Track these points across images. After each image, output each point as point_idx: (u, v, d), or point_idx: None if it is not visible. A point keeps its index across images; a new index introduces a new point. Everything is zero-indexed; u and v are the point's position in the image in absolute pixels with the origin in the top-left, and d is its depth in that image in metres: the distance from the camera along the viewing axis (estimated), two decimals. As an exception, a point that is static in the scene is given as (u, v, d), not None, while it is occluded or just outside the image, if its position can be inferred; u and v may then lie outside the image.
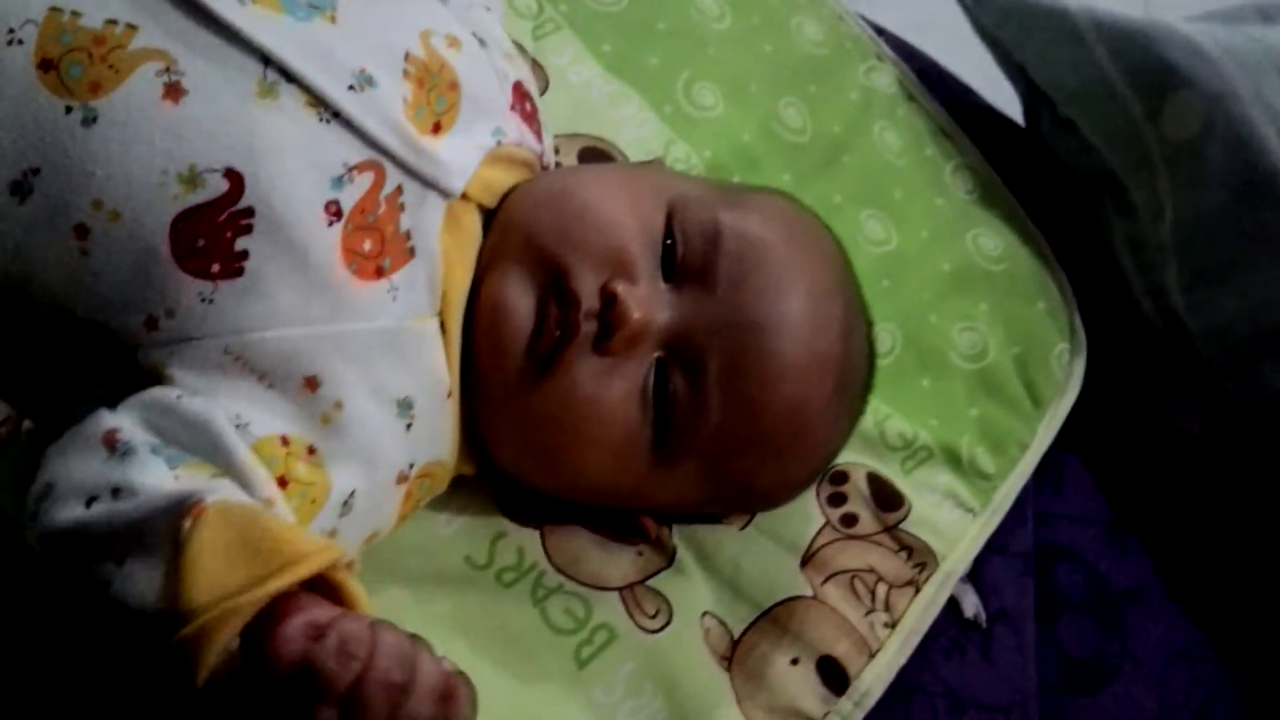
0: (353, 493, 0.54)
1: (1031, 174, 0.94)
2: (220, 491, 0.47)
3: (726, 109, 0.84)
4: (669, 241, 0.60)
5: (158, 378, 0.52)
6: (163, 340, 0.52)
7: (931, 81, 0.96)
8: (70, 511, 0.47)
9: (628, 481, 0.61)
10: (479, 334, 0.58)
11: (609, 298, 0.57)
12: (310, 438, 0.53)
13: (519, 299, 0.58)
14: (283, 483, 0.51)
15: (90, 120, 0.50)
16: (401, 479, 0.57)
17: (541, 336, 0.57)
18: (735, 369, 0.59)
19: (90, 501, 0.47)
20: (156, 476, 0.48)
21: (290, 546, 0.46)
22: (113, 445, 0.49)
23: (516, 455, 0.62)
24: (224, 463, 0.50)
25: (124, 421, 0.50)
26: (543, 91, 0.78)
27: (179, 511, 0.46)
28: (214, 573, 0.45)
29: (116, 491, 0.47)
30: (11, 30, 0.50)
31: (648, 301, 0.58)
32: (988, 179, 0.91)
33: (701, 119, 0.83)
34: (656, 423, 0.59)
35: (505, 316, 0.57)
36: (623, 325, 0.57)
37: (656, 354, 0.59)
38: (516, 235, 0.59)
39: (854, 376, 0.65)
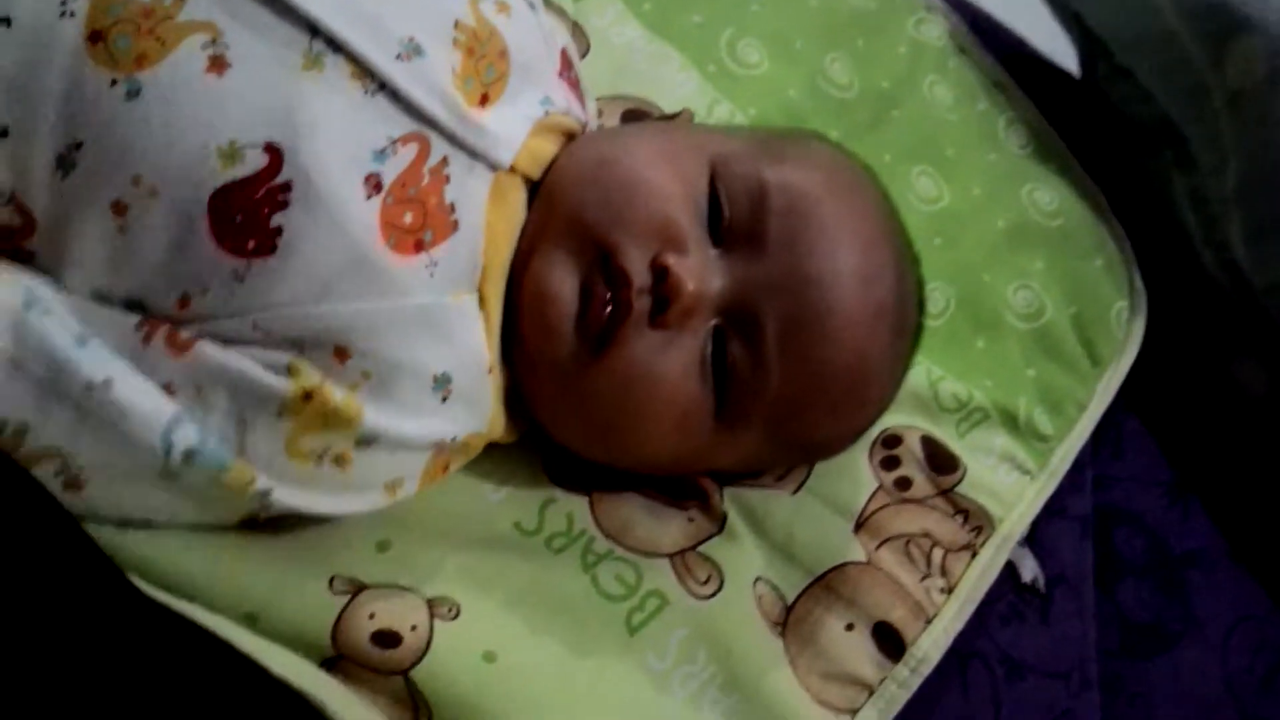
0: (378, 437, 0.53)
1: (1088, 127, 0.92)
2: None
3: (771, 66, 0.82)
4: (714, 205, 0.59)
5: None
6: (193, 316, 0.52)
7: (983, 33, 0.93)
8: None
9: (690, 450, 0.61)
10: (526, 319, 0.58)
11: (660, 271, 0.56)
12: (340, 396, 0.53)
13: (563, 281, 0.57)
14: (307, 397, 0.51)
15: (134, 93, 0.50)
16: (440, 450, 0.56)
17: (590, 316, 0.56)
18: (793, 328, 0.58)
19: None
20: None
21: None
22: None
23: (576, 433, 0.61)
24: None
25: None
26: (584, 54, 0.76)
27: None
28: None
29: None
30: (64, 3, 0.50)
31: (700, 271, 0.57)
32: (1042, 133, 0.89)
33: (746, 77, 0.81)
34: (718, 391, 0.59)
35: (550, 299, 0.57)
36: (678, 298, 0.56)
37: (713, 322, 0.58)
38: (560, 213, 0.58)
39: (908, 322, 0.64)
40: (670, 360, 0.57)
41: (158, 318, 0.52)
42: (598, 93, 0.71)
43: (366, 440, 0.53)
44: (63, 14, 0.50)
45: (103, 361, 0.50)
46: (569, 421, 0.60)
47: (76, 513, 0.52)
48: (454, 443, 0.57)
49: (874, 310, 0.60)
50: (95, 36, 0.50)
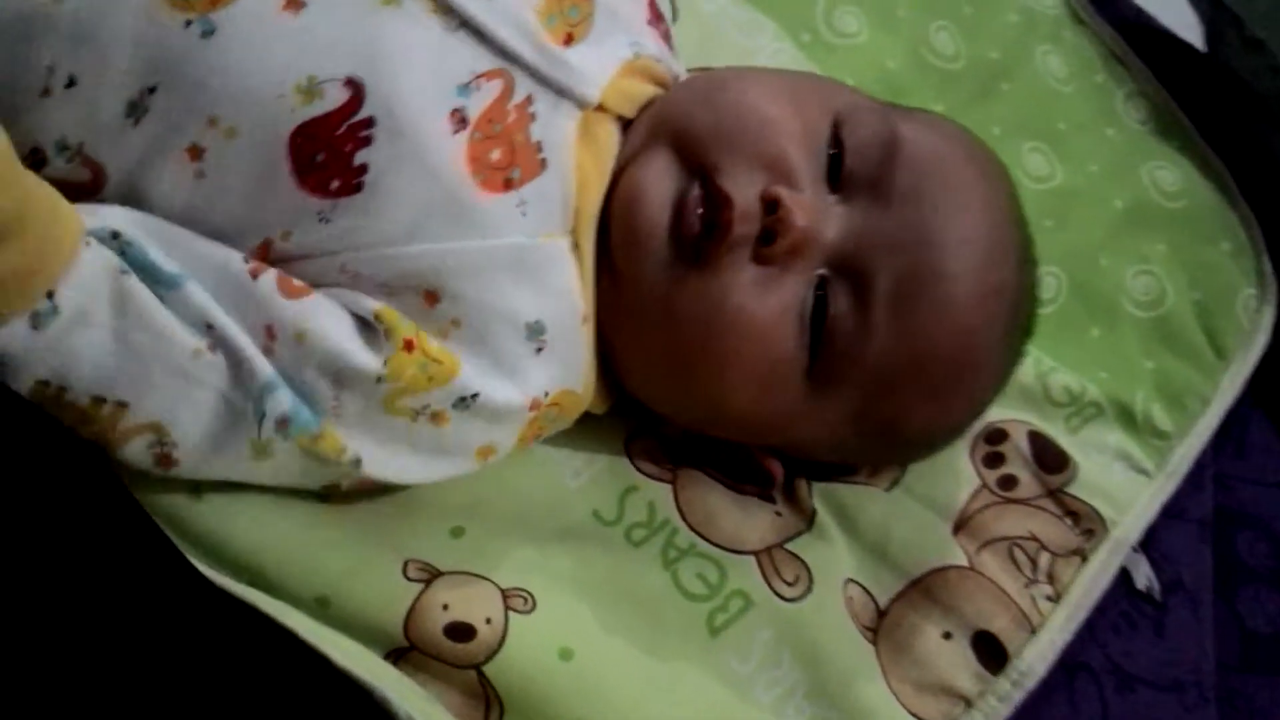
0: (475, 395, 0.52)
1: (1213, 102, 0.88)
2: None
3: (871, 35, 0.80)
4: (834, 151, 0.56)
5: None
6: (278, 261, 0.51)
7: (1099, 2, 0.89)
8: None
9: (772, 410, 0.57)
10: (614, 226, 0.55)
11: (770, 204, 0.54)
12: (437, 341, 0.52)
13: (657, 183, 0.54)
14: (409, 346, 0.50)
15: (209, 33, 0.49)
16: (535, 405, 0.54)
17: (682, 224, 0.54)
18: (908, 291, 0.55)
19: None
20: None
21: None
22: None
23: (653, 374, 0.58)
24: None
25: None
26: (672, 21, 0.73)
27: None
28: None
29: None
30: None
31: (814, 210, 0.54)
32: (1164, 108, 0.86)
33: (843, 47, 0.79)
34: (813, 345, 0.56)
35: (642, 199, 0.54)
36: (786, 232, 0.53)
37: (819, 271, 0.55)
38: (662, 130, 0.56)
39: (1024, 313, 0.61)
40: (767, 298, 0.54)
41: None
42: (685, 63, 0.68)
43: (464, 399, 0.52)
44: None
45: (200, 312, 0.48)
46: (650, 357, 0.57)
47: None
48: (546, 399, 0.54)
49: (995, 288, 0.57)
50: None
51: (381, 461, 0.52)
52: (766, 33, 0.77)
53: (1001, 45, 0.82)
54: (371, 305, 0.50)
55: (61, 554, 0.53)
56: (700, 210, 0.54)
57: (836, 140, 0.56)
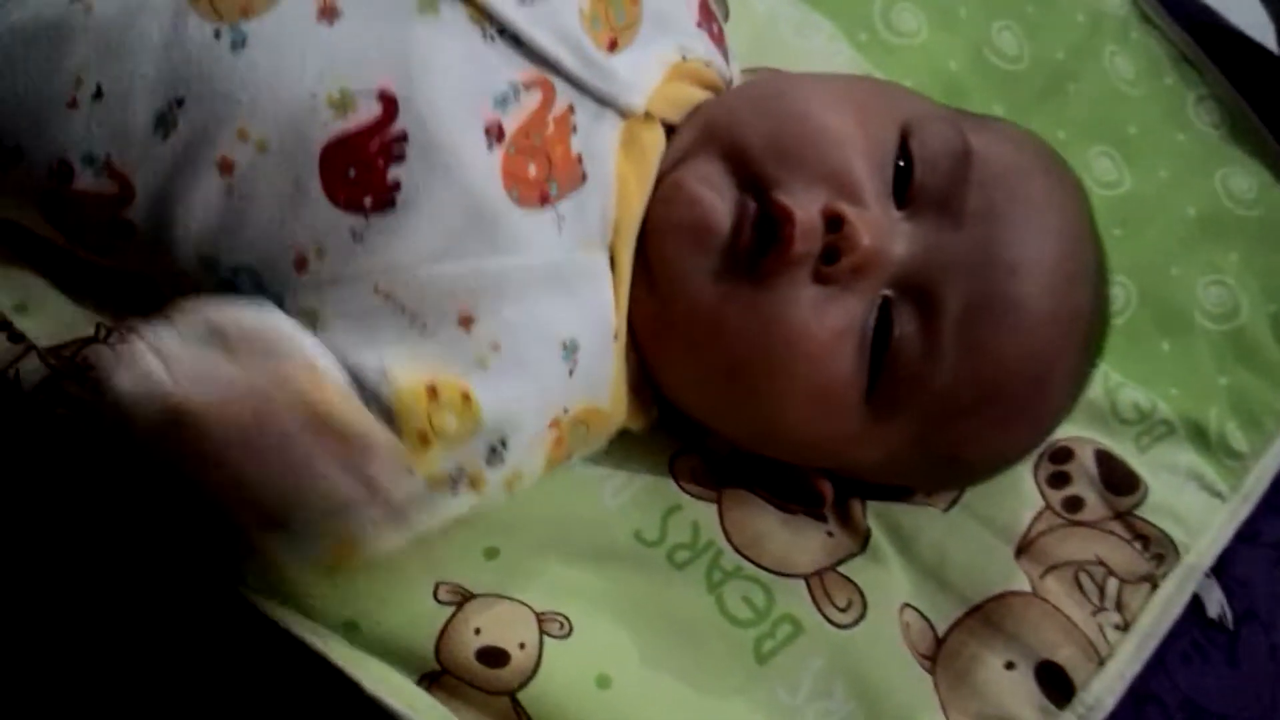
0: (503, 441, 0.50)
1: None
2: None
3: (931, 35, 0.77)
4: (902, 164, 0.53)
5: (308, 323, 0.49)
6: (312, 282, 0.49)
7: (1168, 1, 0.86)
8: None
9: (828, 433, 0.55)
10: (660, 235, 0.53)
11: (834, 220, 0.51)
12: (465, 379, 0.49)
13: (710, 192, 0.52)
14: (424, 439, 0.48)
15: (239, 43, 0.48)
16: (554, 424, 0.52)
17: (739, 236, 0.52)
18: (978, 315, 0.52)
19: None
20: None
21: None
22: None
23: (702, 388, 0.56)
24: None
25: None
26: (724, 20, 0.71)
27: None
28: None
29: None
30: None
31: (880, 228, 0.52)
32: (1237, 111, 0.83)
33: (902, 47, 0.76)
34: (874, 369, 0.53)
35: (693, 207, 0.52)
36: (851, 250, 0.51)
37: (883, 292, 0.53)
38: (713, 138, 0.54)
39: (1098, 337, 0.59)
40: (826, 318, 0.52)
41: (272, 289, 0.49)
42: (737, 64, 0.66)
43: (494, 449, 0.50)
44: None
45: None
46: (697, 372, 0.55)
47: None
48: (567, 415, 0.52)
49: (1070, 314, 0.55)
50: None
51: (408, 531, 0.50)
52: (822, 32, 0.75)
53: (1067, 46, 0.80)
54: (390, 389, 0.47)
55: (91, 575, 0.52)
56: (755, 215, 0.51)
57: (905, 152, 0.53)
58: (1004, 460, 0.61)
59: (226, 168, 0.48)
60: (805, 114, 0.53)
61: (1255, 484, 0.70)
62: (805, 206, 0.51)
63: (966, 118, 0.58)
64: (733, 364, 0.53)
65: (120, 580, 0.52)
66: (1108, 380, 0.69)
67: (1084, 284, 0.55)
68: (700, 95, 0.57)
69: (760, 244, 0.51)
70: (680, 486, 0.59)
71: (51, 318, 0.53)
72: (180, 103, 0.48)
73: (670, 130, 0.56)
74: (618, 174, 0.52)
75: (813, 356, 0.52)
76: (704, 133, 0.54)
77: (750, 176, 0.52)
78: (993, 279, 0.52)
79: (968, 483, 0.63)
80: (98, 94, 0.48)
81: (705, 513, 0.59)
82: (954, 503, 0.64)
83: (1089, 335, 0.57)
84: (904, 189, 0.53)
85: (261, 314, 0.47)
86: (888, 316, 0.53)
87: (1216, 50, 0.85)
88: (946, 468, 0.60)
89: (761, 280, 0.52)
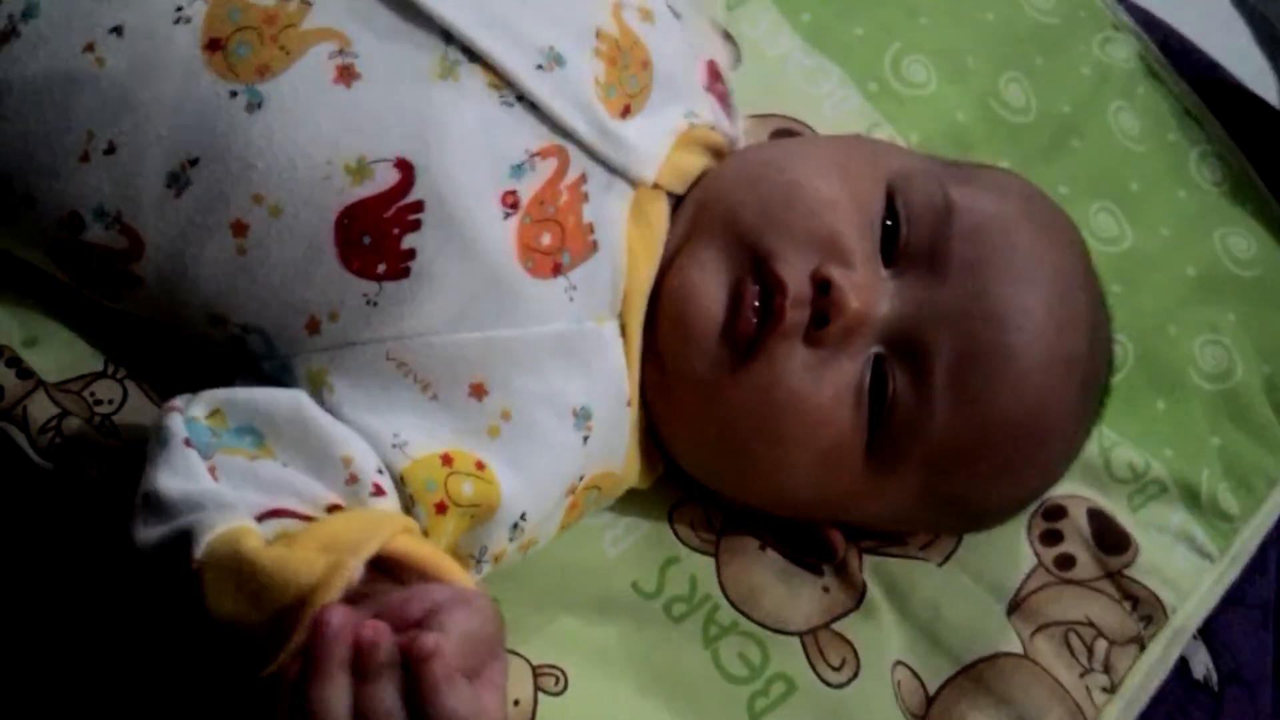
0: (523, 515, 0.50)
1: None
2: (224, 516, 0.43)
3: (940, 86, 0.77)
4: (889, 222, 0.54)
5: (318, 387, 0.49)
6: (324, 345, 0.49)
7: (1174, 55, 0.86)
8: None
9: (832, 491, 0.56)
10: (665, 320, 0.53)
11: (822, 284, 0.51)
12: (479, 452, 0.49)
13: (710, 279, 0.53)
14: (441, 508, 0.48)
15: (255, 105, 0.47)
16: (570, 491, 0.52)
17: (738, 321, 0.52)
18: (969, 366, 0.53)
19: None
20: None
21: (282, 589, 0.41)
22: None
23: (708, 458, 0.57)
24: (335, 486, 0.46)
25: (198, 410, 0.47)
26: (734, 66, 0.72)
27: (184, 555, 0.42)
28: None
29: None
30: (180, 9, 0.48)
31: (867, 289, 0.52)
32: (1239, 169, 0.83)
33: (911, 97, 0.76)
34: (872, 425, 0.53)
35: (694, 298, 0.52)
36: (840, 314, 0.51)
37: (874, 349, 0.53)
38: (711, 215, 0.54)
39: (1097, 379, 0.59)
40: (822, 382, 0.52)
41: (282, 352, 0.49)
42: (746, 110, 0.66)
43: (516, 525, 0.50)
44: (177, 20, 0.47)
45: None
46: (702, 445, 0.56)
47: None
48: (582, 483, 0.52)
49: (1064, 358, 0.54)
50: (213, 44, 0.47)
51: None
52: (831, 79, 0.74)
53: (1073, 99, 0.80)
54: (401, 465, 0.47)
55: (73, 591, 0.52)
56: (756, 304, 0.52)
57: (891, 210, 0.54)
58: (1014, 502, 0.61)
59: (240, 230, 0.48)
60: (792, 182, 0.54)
61: (1244, 546, 0.70)
62: (796, 272, 0.52)
63: (951, 170, 0.58)
64: (736, 437, 0.54)
65: (116, 608, 0.52)
66: (1103, 439, 0.69)
67: (1077, 329, 0.55)
68: (703, 163, 0.57)
69: (761, 321, 0.51)
70: (679, 538, 0.59)
71: (60, 352, 0.53)
72: (194, 162, 0.47)
73: (675, 200, 0.56)
74: (627, 243, 0.52)
75: (812, 422, 0.52)
76: (702, 211, 0.55)
77: (747, 250, 0.52)
78: (981, 329, 0.52)
79: (978, 527, 0.63)
80: (110, 149, 0.47)
81: (703, 565, 0.59)
82: (948, 557, 0.64)
83: (1087, 378, 0.56)
84: (891, 247, 0.53)
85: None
86: (882, 373, 0.53)
87: (1219, 105, 0.84)
88: (954, 514, 0.60)
89: (758, 355, 0.52)
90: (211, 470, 0.44)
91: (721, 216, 0.53)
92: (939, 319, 0.53)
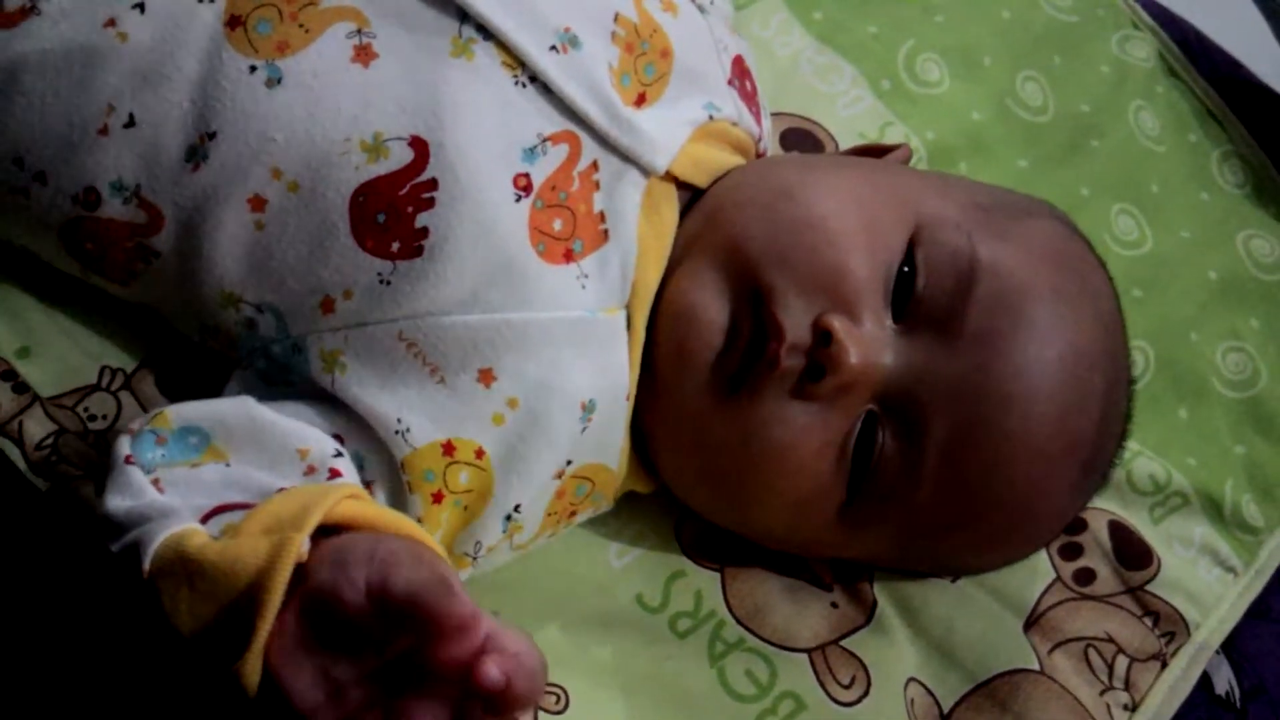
0: (517, 506, 0.50)
1: None
2: (168, 524, 0.42)
3: (954, 85, 0.76)
4: (906, 269, 0.51)
5: (331, 366, 0.49)
6: (337, 324, 0.49)
7: (1194, 54, 0.85)
8: None
9: (804, 535, 0.55)
10: (663, 336, 0.52)
11: (823, 334, 0.49)
12: (480, 439, 0.49)
13: (712, 304, 0.51)
14: (438, 498, 0.48)
15: (275, 81, 0.48)
16: (558, 475, 0.51)
17: (731, 356, 0.50)
18: (965, 444, 0.51)
19: None
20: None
21: (231, 580, 0.40)
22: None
23: (684, 476, 0.56)
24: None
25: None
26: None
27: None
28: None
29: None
30: None
31: (870, 344, 0.50)
32: (1261, 170, 0.82)
33: (925, 97, 0.75)
34: (852, 484, 0.52)
35: (695, 320, 0.51)
36: (836, 370, 0.49)
37: (868, 406, 0.51)
38: (720, 234, 0.52)
39: (1102, 460, 0.57)
40: (808, 433, 0.51)
41: (295, 330, 0.49)
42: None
43: (509, 516, 0.50)
44: None
45: None
46: (681, 463, 0.55)
47: None
48: (570, 468, 0.51)
49: (1065, 444, 0.52)
50: (234, 21, 0.48)
51: None
52: (845, 79, 0.73)
53: (1092, 99, 0.79)
54: (403, 453, 0.48)
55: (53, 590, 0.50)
56: (749, 332, 0.50)
57: (911, 258, 0.51)
58: (996, 566, 0.60)
59: (258, 205, 0.48)
60: (809, 221, 0.51)
61: (1269, 559, 0.68)
62: (797, 317, 0.50)
63: (987, 218, 0.54)
64: (712, 465, 0.53)
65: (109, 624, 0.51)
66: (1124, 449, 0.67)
67: (1085, 412, 0.53)
68: (726, 157, 0.55)
69: (750, 358, 0.50)
70: (685, 552, 0.58)
71: (55, 361, 0.52)
72: (212, 136, 0.47)
73: (692, 190, 0.54)
74: (638, 235, 0.51)
75: (790, 470, 0.51)
76: (712, 224, 0.53)
77: (750, 281, 0.51)
78: (983, 409, 0.50)
79: (958, 578, 0.61)
80: (130, 123, 0.47)
81: (709, 581, 0.58)
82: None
83: (1089, 460, 0.55)
84: (905, 298, 0.51)
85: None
86: (872, 433, 0.51)
87: (1241, 106, 0.83)
88: (930, 568, 0.59)
89: (745, 395, 0.50)
90: (156, 483, 0.44)
91: (729, 240, 0.52)
92: (940, 390, 0.50)
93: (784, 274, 0.50)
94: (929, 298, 0.51)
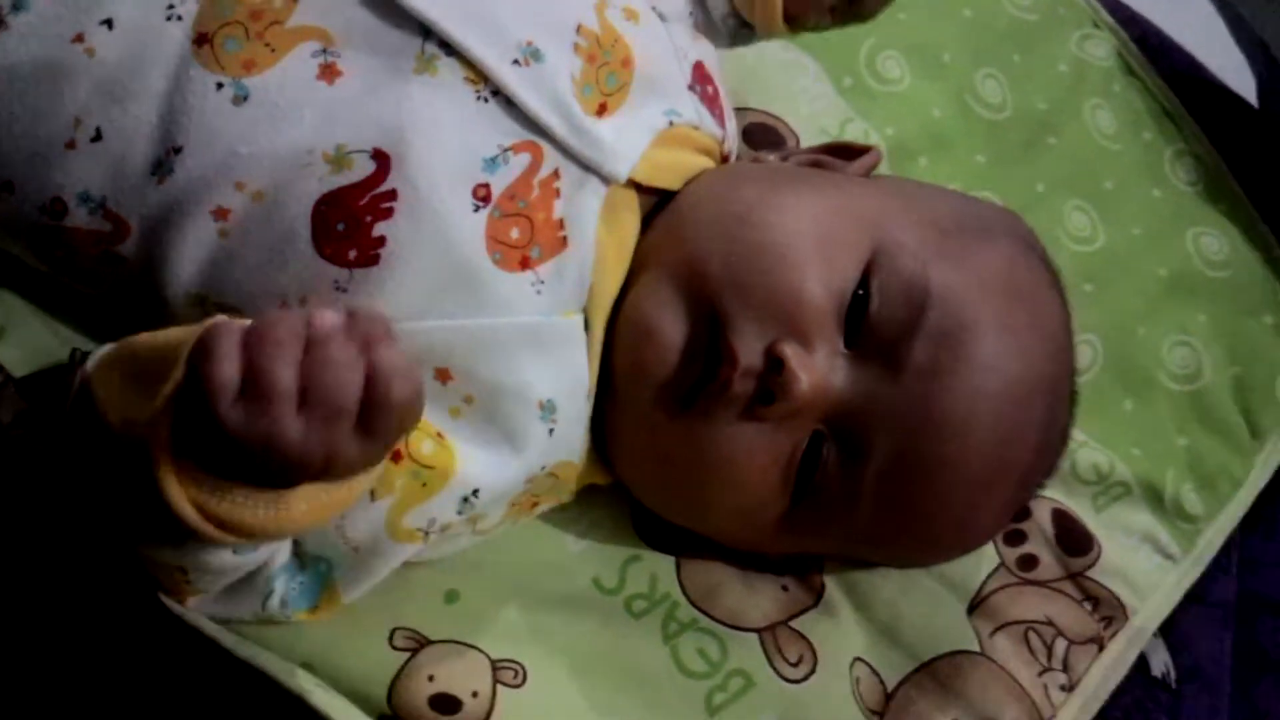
0: (476, 491, 0.51)
1: (1265, 165, 0.84)
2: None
3: (914, 81, 0.77)
4: (861, 292, 0.52)
5: None
6: None
7: (1153, 52, 0.86)
8: None
9: (750, 536, 0.57)
10: (621, 346, 0.53)
11: (775, 362, 0.51)
12: (440, 425, 0.50)
13: (668, 322, 0.52)
14: (396, 456, 0.49)
15: (241, 98, 0.48)
16: (530, 480, 0.53)
17: (685, 372, 0.52)
18: (903, 470, 0.52)
19: None
20: None
21: (163, 352, 0.44)
22: None
23: (638, 477, 0.57)
24: None
25: None
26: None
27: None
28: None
29: None
30: (172, 6, 0.48)
31: (821, 371, 0.51)
32: (1214, 169, 0.83)
33: (885, 94, 0.76)
34: (795, 498, 0.54)
35: (650, 339, 0.52)
36: (785, 397, 0.51)
37: (816, 426, 0.53)
38: (679, 251, 0.53)
39: (1038, 474, 0.59)
40: (756, 451, 0.52)
41: None
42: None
43: (466, 499, 0.50)
44: (169, 17, 0.48)
45: None
46: (636, 467, 0.56)
47: None
48: (543, 471, 0.53)
49: (1001, 472, 0.54)
50: (202, 39, 0.48)
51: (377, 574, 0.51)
52: (807, 74, 0.74)
53: (1050, 96, 0.80)
54: None
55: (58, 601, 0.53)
56: (702, 360, 0.51)
57: (865, 283, 0.52)
58: (933, 564, 0.63)
59: (222, 215, 0.48)
60: (766, 246, 0.52)
61: (1207, 547, 0.70)
62: (750, 343, 0.51)
63: (949, 244, 0.54)
64: (662, 470, 0.54)
65: (84, 605, 0.53)
66: (1069, 439, 0.68)
67: (1023, 440, 0.54)
68: (691, 160, 0.56)
69: (704, 379, 0.51)
70: (640, 537, 0.60)
71: (29, 342, 0.53)
72: (178, 150, 0.48)
73: (661, 194, 0.55)
74: (598, 241, 0.52)
75: (736, 483, 0.53)
76: (672, 239, 0.54)
77: (707, 304, 0.52)
78: (921, 439, 0.52)
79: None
80: (97, 136, 0.48)
81: (664, 564, 0.59)
82: (908, 558, 0.64)
83: (1024, 480, 0.57)
84: (858, 323, 0.52)
85: None
86: (817, 451, 0.53)
87: (1196, 104, 0.84)
88: (870, 561, 0.62)
89: (696, 412, 0.52)
90: None
91: (688, 259, 0.53)
92: (884, 416, 0.52)
93: (740, 299, 0.51)
94: (880, 325, 0.52)
